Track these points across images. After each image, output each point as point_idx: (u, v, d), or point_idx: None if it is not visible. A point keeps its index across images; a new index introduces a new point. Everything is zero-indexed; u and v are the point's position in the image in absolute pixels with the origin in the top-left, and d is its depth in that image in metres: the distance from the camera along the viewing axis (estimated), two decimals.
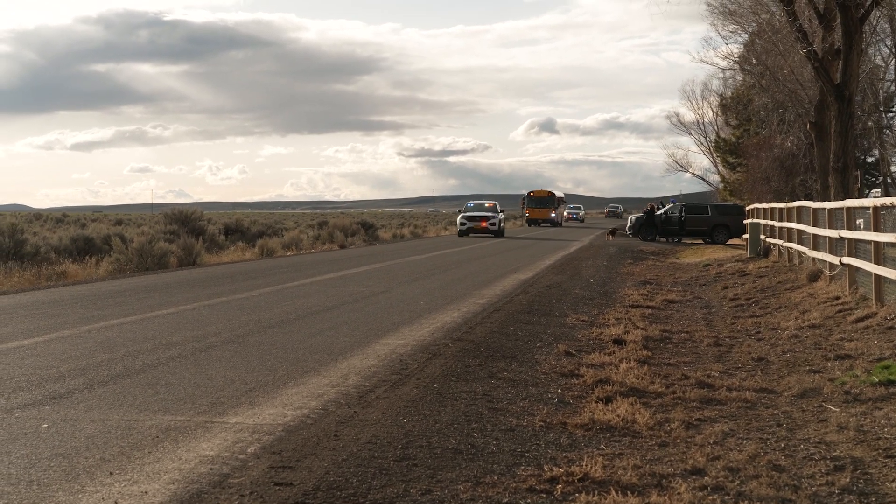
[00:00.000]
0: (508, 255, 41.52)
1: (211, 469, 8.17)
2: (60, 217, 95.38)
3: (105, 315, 18.41)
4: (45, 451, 8.62)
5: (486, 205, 69.21)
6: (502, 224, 67.74)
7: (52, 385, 11.53)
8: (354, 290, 24.02)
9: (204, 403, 10.60)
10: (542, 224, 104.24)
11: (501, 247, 50.79)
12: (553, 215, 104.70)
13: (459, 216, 67.87)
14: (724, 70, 66.13)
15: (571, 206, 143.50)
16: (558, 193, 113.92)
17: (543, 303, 21.33)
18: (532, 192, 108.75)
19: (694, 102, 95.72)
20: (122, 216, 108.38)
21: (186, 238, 38.83)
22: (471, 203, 70.36)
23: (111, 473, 8.03)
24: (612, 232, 63.61)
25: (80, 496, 7.47)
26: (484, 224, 65.48)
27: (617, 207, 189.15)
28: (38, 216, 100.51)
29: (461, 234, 65.67)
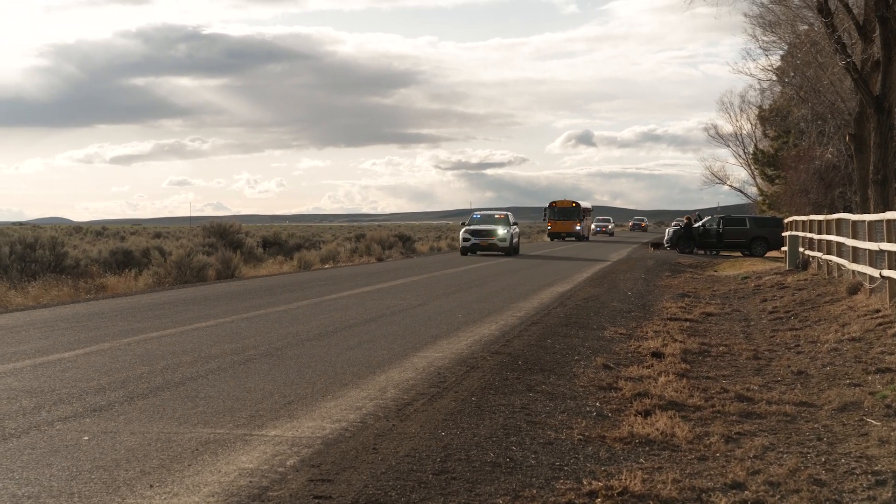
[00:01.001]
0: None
1: (250, 482, 8.20)
2: (100, 230, 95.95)
3: (144, 328, 18.51)
4: (85, 464, 8.67)
5: (497, 216, 57.00)
6: (515, 240, 56.35)
7: (93, 398, 11.60)
8: (392, 302, 24.05)
9: (243, 416, 10.64)
10: (567, 238, 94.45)
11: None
12: (578, 228, 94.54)
13: (462, 230, 55.85)
14: (762, 82, 65.83)
15: (600, 218, 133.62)
16: (584, 203, 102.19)
17: (581, 315, 21.29)
18: (554, 202, 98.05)
19: (732, 114, 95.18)
20: (161, 229, 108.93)
21: (224, 251, 39.00)
22: (477, 214, 58.08)
23: (151, 486, 8.06)
24: (655, 245, 62.77)
25: None
26: (493, 240, 53.72)
27: (642, 219, 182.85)
28: (78, 229, 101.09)
29: (464, 251, 54.42)
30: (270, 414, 10.79)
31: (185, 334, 17.57)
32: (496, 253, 53.87)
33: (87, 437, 9.63)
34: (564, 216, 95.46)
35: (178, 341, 16.60)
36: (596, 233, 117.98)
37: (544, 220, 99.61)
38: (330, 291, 27.40)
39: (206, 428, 10.06)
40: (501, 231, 53.91)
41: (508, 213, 57.09)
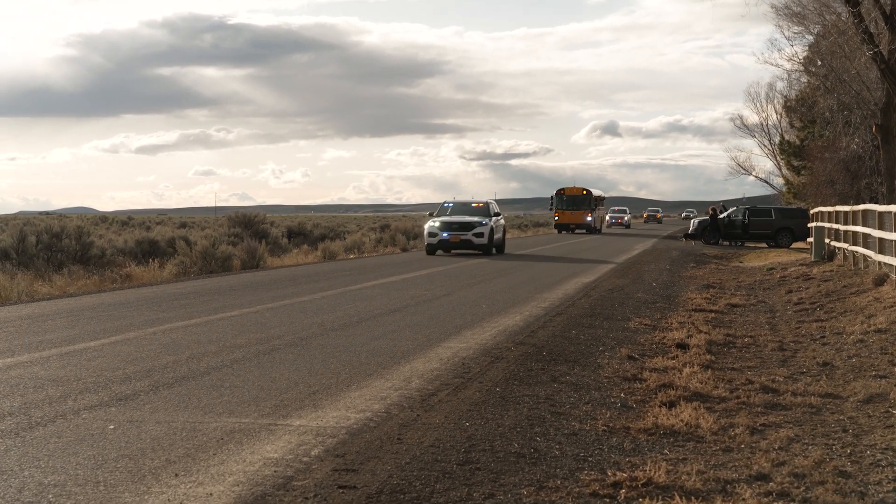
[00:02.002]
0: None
1: (275, 471, 8.22)
2: (126, 220, 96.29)
3: (170, 317, 18.57)
4: (111, 453, 8.71)
5: (474, 205, 45.18)
6: (499, 235, 44.64)
7: (119, 387, 11.65)
8: (416, 293, 24.07)
9: (268, 406, 10.67)
10: (577, 230, 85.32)
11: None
12: (589, 219, 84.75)
13: (429, 222, 43.60)
14: (788, 72, 65.54)
15: (615, 208, 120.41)
16: (596, 191, 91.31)
17: (606, 306, 21.26)
18: (562, 189, 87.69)
19: (758, 104, 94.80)
20: (187, 219, 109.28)
21: (250, 241, 39.11)
22: (449, 202, 45.66)
23: (176, 475, 8.10)
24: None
25: (146, 497, 7.54)
26: (468, 235, 42.37)
27: (657, 210, 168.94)
28: (104, 219, 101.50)
29: (431, 249, 42.97)
30: (295, 403, 10.81)
31: (211, 324, 17.62)
32: (472, 252, 43.32)
33: (112, 426, 9.67)
34: (574, 205, 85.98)
35: (203, 331, 16.65)
36: (611, 224, 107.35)
37: (550, 208, 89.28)
38: (354, 282, 27.44)
39: (231, 417, 10.09)
40: (479, 224, 42.57)
41: (490, 202, 45.84)
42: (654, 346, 15.74)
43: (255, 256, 36.37)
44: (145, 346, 14.92)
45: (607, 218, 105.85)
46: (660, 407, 10.88)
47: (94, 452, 8.71)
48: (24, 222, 47.61)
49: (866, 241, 26.92)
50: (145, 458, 8.55)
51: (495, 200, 47.18)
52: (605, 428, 9.97)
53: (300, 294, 23.39)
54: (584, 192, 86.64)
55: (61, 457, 8.56)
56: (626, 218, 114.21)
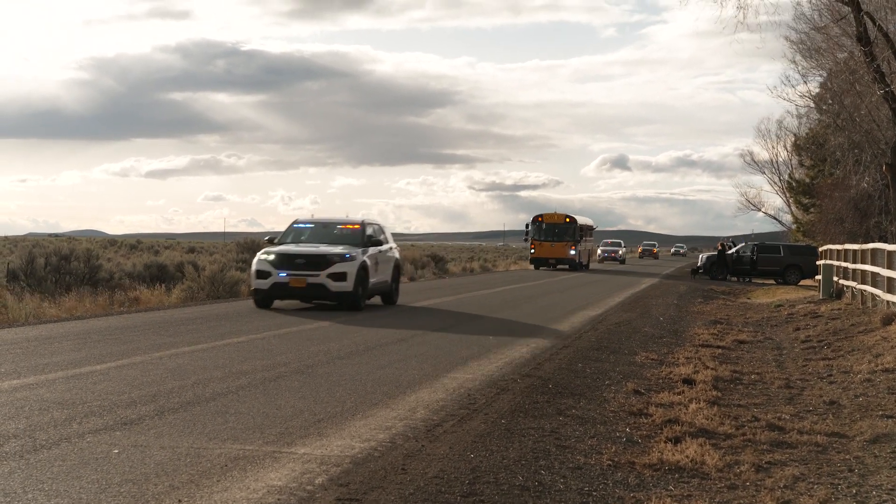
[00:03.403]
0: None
1: (278, 499, 8.21)
2: (135, 243, 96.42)
3: (176, 342, 18.57)
4: (115, 477, 8.70)
5: (343, 225, 29.60)
6: (379, 277, 28.82)
7: (124, 411, 11.64)
8: (424, 322, 24.05)
9: (273, 433, 10.65)
10: (559, 266, 71.03)
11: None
12: (573, 252, 70.14)
13: (260, 253, 28.23)
14: (799, 108, 65.63)
15: (608, 241, 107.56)
16: (583, 219, 76.83)
17: (613, 340, 21.24)
18: (540, 216, 72.74)
19: (768, 141, 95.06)
20: (195, 244, 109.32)
21: None
22: (302, 221, 30.52)
23: (180, 501, 8.08)
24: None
25: None
26: (319, 277, 26.62)
27: (653, 245, 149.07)
28: (113, 242, 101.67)
29: (260, 300, 27.18)
30: (300, 431, 10.80)
31: (217, 350, 17.61)
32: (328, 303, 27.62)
33: (117, 451, 9.66)
34: (554, 235, 71.48)
35: (209, 356, 16.64)
36: (603, 259, 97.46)
37: (525, 239, 74.12)
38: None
39: (236, 444, 10.08)
40: (340, 258, 26.74)
41: (372, 223, 30.10)
42: (661, 380, 15.72)
43: None
44: (151, 370, 14.91)
45: (599, 252, 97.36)
46: (665, 442, 10.86)
47: (98, 476, 8.70)
48: (33, 244, 47.69)
49: (875, 279, 26.89)
50: (149, 484, 8.53)
51: (379, 224, 30.50)
52: (610, 462, 9.94)
53: (307, 321, 23.36)
54: (567, 220, 72.13)
55: (65, 480, 8.55)
56: (620, 252, 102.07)
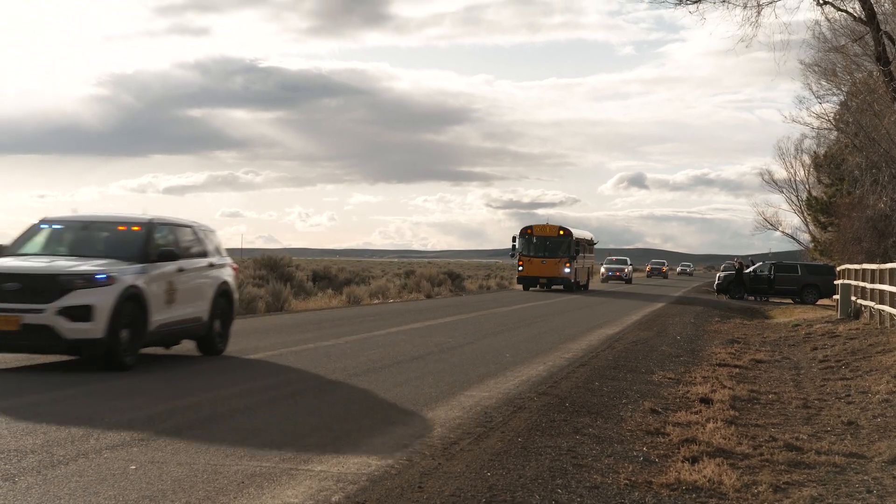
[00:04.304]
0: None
1: None
2: None
3: (192, 359, 18.58)
4: (132, 493, 8.71)
5: (119, 227, 18.60)
6: (176, 312, 18.03)
7: (141, 426, 11.65)
8: (440, 340, 24.05)
9: (289, 450, 10.65)
10: (553, 287, 63.17)
11: None
12: (568, 270, 62.23)
13: None
14: (817, 129, 65.59)
15: (613, 258, 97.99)
16: (580, 233, 68.71)
17: (629, 359, 21.20)
18: (529, 228, 64.50)
19: (786, 160, 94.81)
20: None
21: (275, 283, 39.16)
22: (49, 222, 18.84)
23: None
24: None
25: None
26: (44, 315, 15.80)
27: (662, 263, 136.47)
28: None
29: None
30: (317, 449, 10.80)
31: (235, 366, 17.62)
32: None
33: (134, 467, 9.67)
34: (545, 251, 63.02)
35: (227, 373, 16.65)
36: (607, 278, 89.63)
37: (512, 255, 65.07)
38: (379, 327, 27.44)
39: (253, 461, 10.08)
40: (85, 280, 16.31)
41: (171, 224, 19.29)
42: (678, 400, 15.68)
43: (280, 299, 36.42)
44: (167, 386, 14.93)
45: (602, 270, 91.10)
46: (683, 462, 10.83)
47: (115, 493, 8.71)
48: None
49: (893, 299, 26.80)
50: (166, 500, 8.54)
51: (191, 227, 20.07)
52: (627, 482, 9.91)
53: (324, 338, 23.39)
54: (561, 233, 63.74)
55: (82, 496, 8.56)
56: (626, 270, 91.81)
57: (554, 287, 62.71)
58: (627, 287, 78.60)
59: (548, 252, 62.70)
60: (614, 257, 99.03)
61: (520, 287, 63.99)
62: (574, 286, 63.09)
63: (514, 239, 63.95)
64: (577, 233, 66.33)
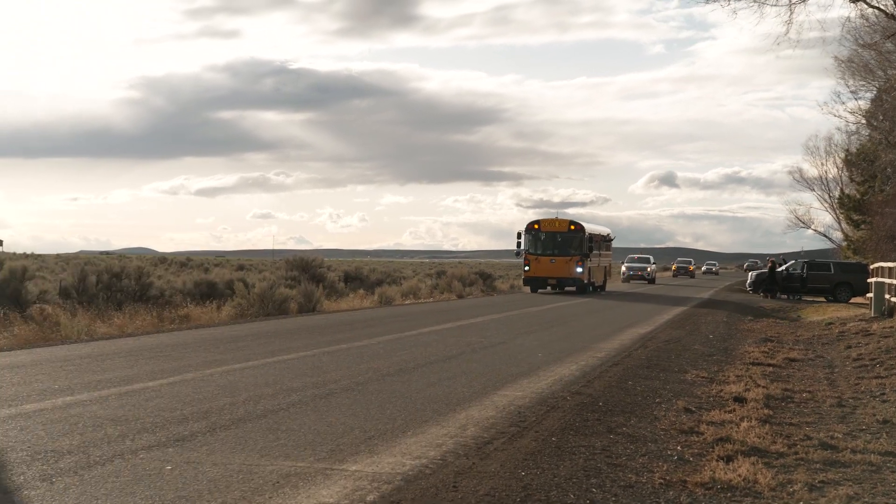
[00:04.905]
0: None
1: None
2: (185, 261, 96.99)
3: (227, 359, 18.66)
4: (168, 494, 8.75)
5: None
6: None
7: (176, 427, 11.71)
8: (472, 340, 24.05)
9: (324, 450, 10.68)
10: (567, 288, 56.78)
11: None
12: (580, 270, 55.60)
13: None
14: (849, 125, 65.28)
15: (635, 257, 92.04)
16: (594, 228, 62.00)
17: (662, 358, 21.16)
18: (535, 223, 57.61)
19: (818, 158, 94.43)
20: (244, 261, 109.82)
21: (307, 284, 39.26)
22: None
23: None
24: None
25: None
26: None
27: (689, 262, 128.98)
28: (163, 259, 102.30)
29: None
30: (351, 448, 10.83)
31: (267, 367, 17.69)
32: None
33: (169, 467, 9.72)
34: (554, 248, 56.53)
35: (260, 373, 16.72)
36: (629, 278, 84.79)
37: (517, 254, 57.72)
38: (411, 327, 27.46)
39: (288, 461, 10.11)
40: None
41: None
42: (711, 398, 15.64)
43: (312, 300, 36.50)
44: (203, 387, 14.99)
45: (623, 269, 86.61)
46: (717, 461, 10.80)
47: (151, 493, 8.76)
48: (85, 262, 48.11)
49: None
50: (202, 500, 8.58)
51: None
52: (661, 481, 9.89)
53: (356, 339, 23.43)
54: (573, 228, 57.08)
55: (119, 496, 8.61)
56: (649, 270, 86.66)
57: (567, 288, 56.79)
58: (647, 288, 72.91)
59: (557, 249, 56.33)
60: (636, 255, 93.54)
61: (527, 289, 57.62)
62: (587, 287, 56.89)
63: (518, 235, 57.20)
64: (592, 228, 60.17)
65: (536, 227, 56.84)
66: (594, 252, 58.02)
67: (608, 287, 63.75)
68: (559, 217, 57.97)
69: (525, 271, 56.84)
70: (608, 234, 66.12)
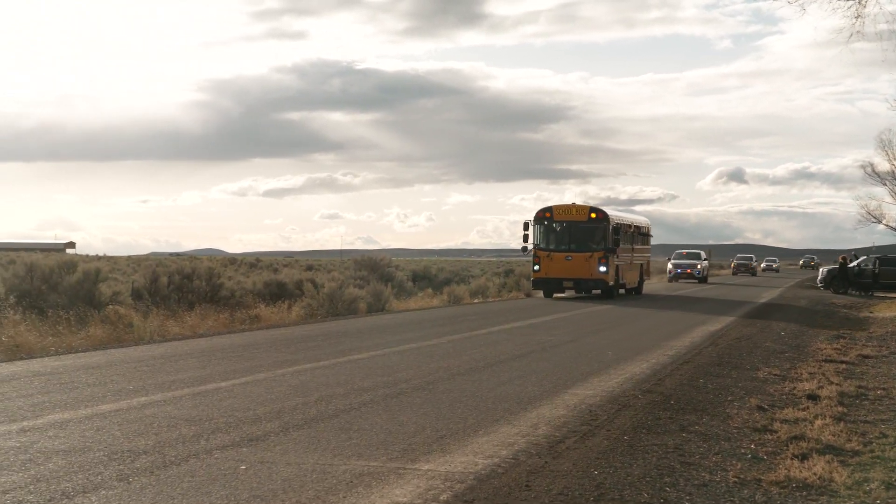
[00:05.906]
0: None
1: None
2: (254, 262, 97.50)
3: (298, 359, 18.76)
4: (243, 493, 8.83)
5: None
6: None
7: (249, 427, 11.80)
8: (541, 338, 24.02)
9: (396, 449, 10.72)
10: (594, 291, 45.42)
11: None
12: (603, 269, 43.91)
13: None
14: None
15: (682, 252, 79.49)
16: (622, 216, 49.36)
17: (733, 355, 21.02)
18: (546, 210, 45.43)
19: (890, 152, 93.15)
20: (313, 261, 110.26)
21: (376, 284, 39.38)
22: None
23: None
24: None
25: None
26: None
27: (749, 258, 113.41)
28: (233, 260, 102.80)
29: None
30: (423, 448, 10.86)
31: (338, 366, 17.77)
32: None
33: (244, 467, 9.80)
34: (571, 241, 44.98)
35: (331, 373, 16.80)
36: (676, 277, 74.90)
37: (524, 250, 45.80)
38: (480, 326, 27.47)
39: (360, 460, 10.16)
40: None
41: None
42: (784, 396, 15.52)
43: (381, 299, 36.62)
44: (275, 387, 15.09)
45: (670, 266, 76.68)
46: (792, 459, 10.72)
47: (226, 493, 8.84)
48: (156, 263, 48.61)
49: None
50: (276, 500, 8.64)
51: None
52: (735, 479, 9.84)
53: (426, 338, 23.48)
54: (594, 216, 44.98)
55: (195, 496, 8.70)
56: (699, 267, 75.10)
57: (594, 291, 45.70)
58: (695, 288, 62.69)
59: (575, 244, 44.73)
60: (684, 251, 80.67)
61: (540, 294, 46.85)
62: (614, 290, 45.62)
63: (525, 227, 45.53)
64: (620, 216, 48.50)
65: (548, 215, 45.18)
66: (622, 246, 46.66)
67: (644, 290, 53.25)
68: (576, 204, 45.73)
69: (535, 271, 45.40)
70: (643, 226, 53.86)
